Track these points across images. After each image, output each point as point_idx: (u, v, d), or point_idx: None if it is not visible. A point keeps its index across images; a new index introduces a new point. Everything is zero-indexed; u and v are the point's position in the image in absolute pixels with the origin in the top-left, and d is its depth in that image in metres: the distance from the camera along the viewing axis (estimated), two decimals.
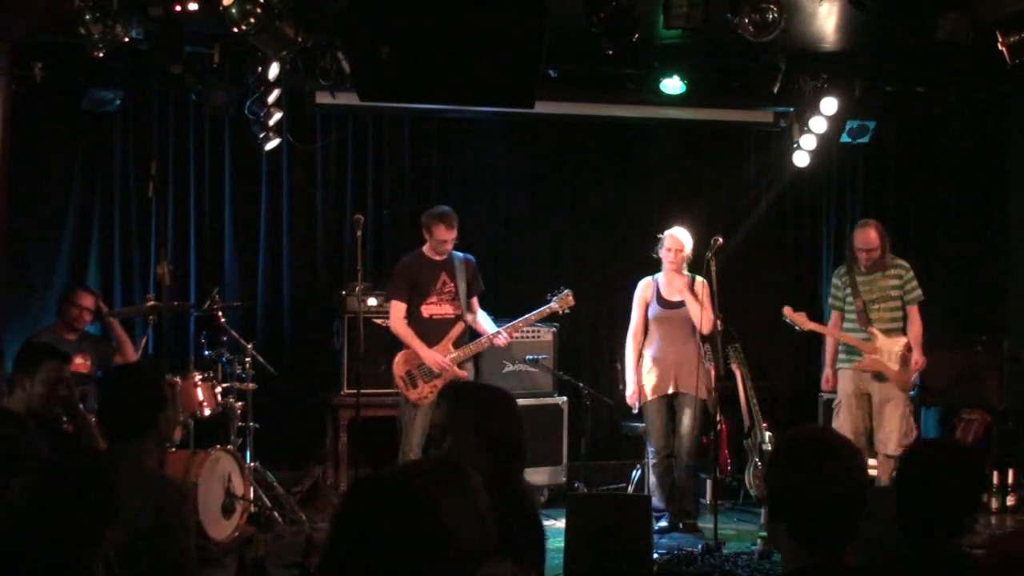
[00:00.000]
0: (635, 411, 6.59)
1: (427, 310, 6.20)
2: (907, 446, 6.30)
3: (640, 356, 6.50)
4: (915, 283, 6.51)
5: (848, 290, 6.53)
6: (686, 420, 6.43)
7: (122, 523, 2.74)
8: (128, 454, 2.96)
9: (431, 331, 6.17)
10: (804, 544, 2.14)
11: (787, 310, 6.59)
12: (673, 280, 6.49)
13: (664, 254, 6.47)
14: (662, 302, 6.45)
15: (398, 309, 6.18)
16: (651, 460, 6.54)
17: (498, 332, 6.25)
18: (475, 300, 6.36)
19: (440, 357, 6.10)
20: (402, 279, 6.18)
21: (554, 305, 6.38)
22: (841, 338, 6.57)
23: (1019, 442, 7.25)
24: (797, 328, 6.63)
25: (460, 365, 6.17)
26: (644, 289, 6.52)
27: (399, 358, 6.16)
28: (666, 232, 6.53)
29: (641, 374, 6.48)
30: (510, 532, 2.22)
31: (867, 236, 6.46)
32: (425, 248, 6.25)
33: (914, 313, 6.50)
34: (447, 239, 6.14)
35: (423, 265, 6.22)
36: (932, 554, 2.62)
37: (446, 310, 6.22)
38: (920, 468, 2.73)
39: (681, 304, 6.43)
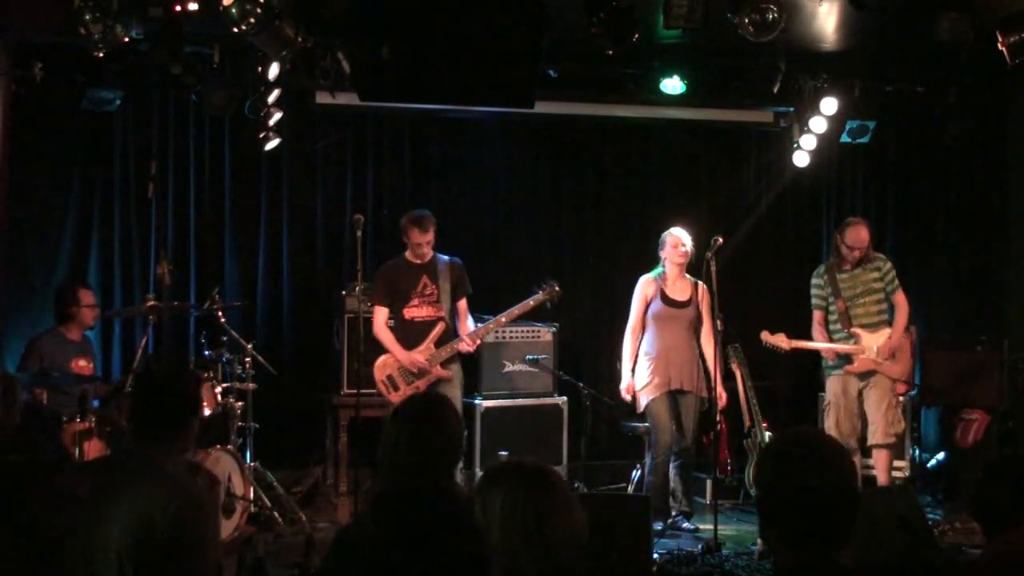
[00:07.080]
0: (639, 410, 6.54)
1: (409, 313, 6.24)
2: (896, 435, 6.39)
3: (637, 352, 6.50)
4: (894, 273, 6.52)
5: (829, 289, 6.49)
6: (689, 417, 6.44)
7: (135, 524, 2.75)
8: (152, 458, 2.95)
9: (413, 333, 6.20)
10: (793, 547, 2.13)
11: (764, 335, 6.54)
12: (677, 279, 6.49)
13: (670, 252, 6.45)
14: (667, 300, 6.45)
15: (380, 314, 6.23)
16: (653, 461, 6.49)
17: (461, 338, 6.23)
18: (463, 303, 6.35)
19: (416, 356, 6.14)
20: (383, 284, 6.22)
21: (540, 296, 6.35)
22: (833, 350, 6.50)
23: (1019, 442, 7.24)
24: (781, 350, 6.54)
25: (444, 365, 6.19)
26: (645, 286, 6.51)
27: (379, 362, 6.21)
28: (671, 231, 6.52)
29: (639, 370, 6.46)
30: None
31: (860, 235, 6.45)
32: (407, 253, 6.29)
33: (900, 300, 6.49)
34: (422, 242, 6.16)
35: (403, 269, 6.26)
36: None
37: (427, 312, 6.24)
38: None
39: (686, 304, 6.44)
